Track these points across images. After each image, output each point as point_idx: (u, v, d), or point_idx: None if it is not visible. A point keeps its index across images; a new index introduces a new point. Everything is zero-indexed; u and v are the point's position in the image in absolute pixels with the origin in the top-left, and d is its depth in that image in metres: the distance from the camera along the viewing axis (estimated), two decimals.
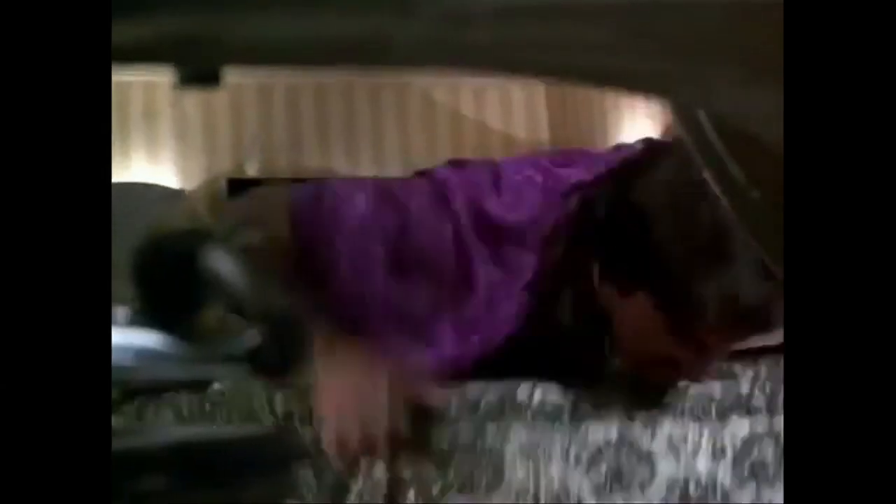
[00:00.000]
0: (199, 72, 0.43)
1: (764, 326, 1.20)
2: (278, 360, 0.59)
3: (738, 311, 1.17)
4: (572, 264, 1.30)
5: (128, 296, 0.57)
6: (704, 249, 1.17)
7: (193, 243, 0.56)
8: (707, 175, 0.65)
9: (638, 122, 5.20)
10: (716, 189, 0.66)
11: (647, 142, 1.37)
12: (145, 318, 0.56)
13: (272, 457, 0.64)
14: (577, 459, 1.27)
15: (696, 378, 1.29)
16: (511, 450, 1.24)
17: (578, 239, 1.30)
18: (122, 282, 0.55)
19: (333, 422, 1.01)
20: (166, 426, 0.75)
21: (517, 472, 1.23)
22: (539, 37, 0.40)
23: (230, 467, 0.60)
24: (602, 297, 1.30)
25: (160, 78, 5.37)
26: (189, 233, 0.58)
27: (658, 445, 1.29)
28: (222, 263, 0.56)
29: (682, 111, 0.63)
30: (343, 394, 1.04)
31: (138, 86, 5.52)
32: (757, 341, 1.28)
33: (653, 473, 1.29)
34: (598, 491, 1.28)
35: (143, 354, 0.56)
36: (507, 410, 1.27)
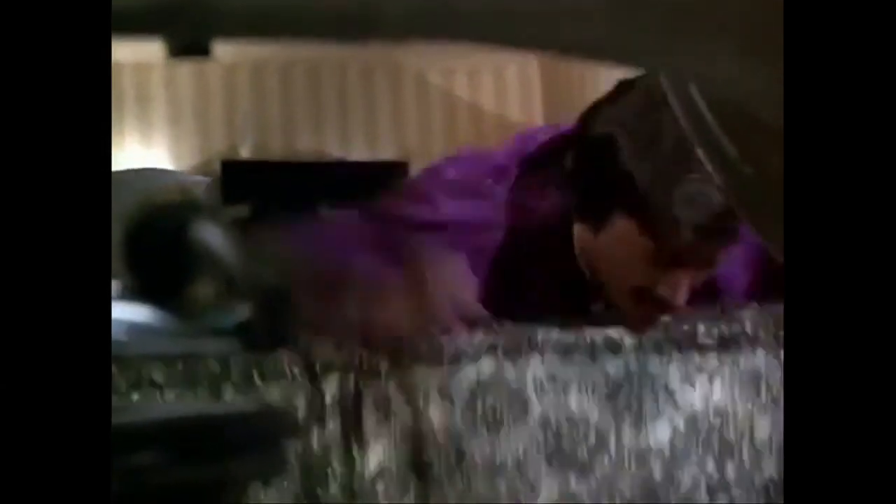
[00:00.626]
0: (188, 43, 0.43)
1: (731, 233, 1.25)
2: (268, 333, 0.59)
3: (710, 216, 1.22)
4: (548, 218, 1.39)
5: (118, 270, 0.57)
6: (671, 160, 1.24)
7: (184, 217, 0.56)
8: (699, 151, 0.65)
9: None
10: (707, 165, 0.65)
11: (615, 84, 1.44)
12: (136, 292, 0.55)
13: (262, 434, 0.64)
14: (595, 390, 1.29)
15: (674, 309, 1.32)
16: (531, 384, 1.26)
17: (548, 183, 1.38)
18: (112, 256, 0.55)
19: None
20: (157, 402, 0.75)
21: (538, 405, 1.25)
22: (530, 7, 0.40)
23: (221, 444, 0.60)
24: (579, 243, 1.36)
25: (153, 59, 5.36)
26: (179, 207, 0.58)
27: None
28: (212, 238, 0.56)
29: (676, 87, 0.63)
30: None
31: (130, 67, 5.50)
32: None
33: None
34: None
35: (134, 329, 0.56)
36: (523, 349, 1.29)
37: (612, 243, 1.32)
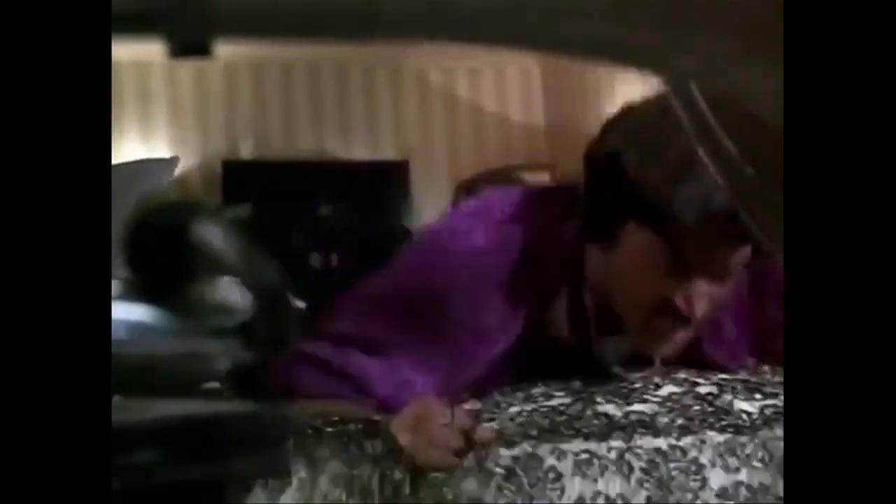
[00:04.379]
0: (189, 43, 0.43)
1: (744, 233, 1.27)
2: (271, 334, 0.59)
3: (717, 213, 1.22)
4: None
5: (119, 269, 0.57)
6: (676, 162, 1.25)
7: (185, 215, 0.56)
8: (701, 152, 0.65)
9: (632, 97, 5.19)
10: (710, 165, 0.65)
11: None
12: (136, 291, 0.55)
13: (264, 433, 0.64)
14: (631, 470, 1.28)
15: (691, 323, 1.31)
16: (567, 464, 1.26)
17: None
18: (113, 255, 0.55)
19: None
20: (157, 402, 0.74)
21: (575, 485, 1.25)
22: (530, 7, 0.40)
23: (221, 444, 0.60)
24: (592, 268, 1.37)
25: (153, 58, 5.37)
26: (180, 205, 0.58)
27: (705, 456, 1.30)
28: (214, 236, 0.56)
29: (676, 87, 0.63)
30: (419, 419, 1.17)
31: (131, 66, 5.51)
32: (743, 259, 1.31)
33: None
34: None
35: (134, 328, 0.56)
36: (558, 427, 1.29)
37: (626, 258, 1.32)
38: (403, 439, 1.19)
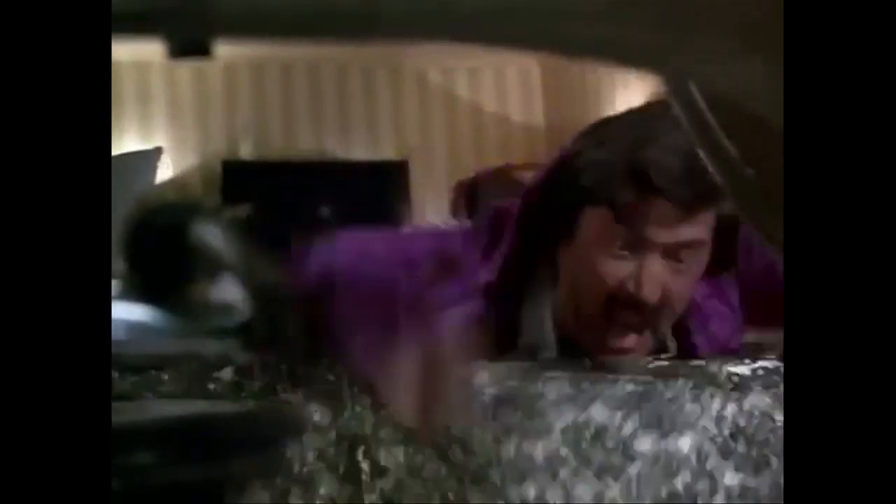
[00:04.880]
0: (188, 43, 0.43)
1: (688, 199, 1.26)
2: (269, 332, 0.59)
3: (664, 175, 1.25)
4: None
5: (119, 270, 0.57)
6: (627, 140, 1.29)
7: (184, 216, 0.56)
8: (701, 152, 0.65)
9: (632, 99, 5.20)
10: (709, 165, 0.65)
11: None
12: (136, 291, 0.55)
13: (263, 433, 0.64)
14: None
15: (646, 309, 1.31)
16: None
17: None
18: (113, 256, 0.55)
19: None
20: (157, 402, 0.75)
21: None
22: (531, 7, 0.40)
23: (221, 444, 0.60)
24: (563, 266, 1.38)
25: (153, 58, 5.36)
26: (179, 207, 0.58)
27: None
28: (212, 237, 0.56)
29: (676, 87, 0.63)
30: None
31: (130, 66, 5.51)
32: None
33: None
34: None
35: (134, 328, 0.56)
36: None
37: (584, 245, 1.33)
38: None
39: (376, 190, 6.11)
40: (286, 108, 6.15)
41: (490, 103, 6.41)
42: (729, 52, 0.45)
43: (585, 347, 1.36)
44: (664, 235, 1.28)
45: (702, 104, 0.59)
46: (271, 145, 6.09)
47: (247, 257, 0.57)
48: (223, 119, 6.03)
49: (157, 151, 3.83)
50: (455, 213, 5.94)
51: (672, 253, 1.30)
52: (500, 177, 6.15)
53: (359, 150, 6.21)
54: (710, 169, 0.56)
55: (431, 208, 6.17)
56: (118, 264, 0.56)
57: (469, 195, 6.13)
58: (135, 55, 5.26)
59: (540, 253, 1.41)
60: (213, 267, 0.56)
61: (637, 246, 1.29)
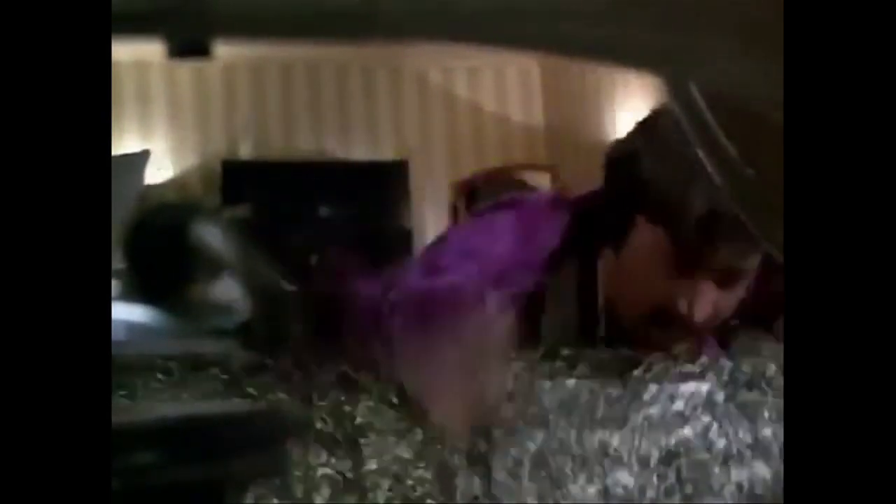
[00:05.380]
0: (188, 43, 0.43)
1: (745, 240, 1.23)
2: (268, 333, 0.59)
3: (726, 214, 1.23)
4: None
5: (118, 270, 0.57)
6: (691, 162, 1.28)
7: (184, 216, 0.56)
8: (700, 153, 0.64)
9: (633, 104, 5.20)
10: (709, 166, 0.65)
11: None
12: (136, 292, 0.55)
13: (262, 434, 0.64)
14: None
15: (693, 326, 1.31)
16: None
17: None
18: (113, 256, 0.55)
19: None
20: (157, 402, 0.75)
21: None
22: (531, 7, 0.40)
23: (221, 444, 0.60)
24: (604, 270, 1.37)
25: (152, 59, 5.35)
26: (180, 206, 0.58)
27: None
28: (212, 237, 0.56)
29: (676, 88, 0.63)
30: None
31: (130, 66, 5.51)
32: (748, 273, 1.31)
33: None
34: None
35: (134, 328, 0.56)
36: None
37: (634, 257, 1.32)
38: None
39: (376, 190, 6.11)
40: (286, 108, 6.15)
41: (490, 103, 6.41)
42: (729, 52, 0.45)
43: (631, 345, 1.35)
44: (718, 267, 1.28)
45: (702, 104, 0.59)
46: (271, 145, 6.09)
47: (246, 257, 0.57)
48: (223, 119, 6.03)
49: (145, 154, 3.83)
50: (455, 213, 5.94)
51: (724, 278, 1.29)
52: (500, 177, 6.15)
53: (359, 150, 6.21)
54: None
55: (431, 208, 6.17)
56: (118, 265, 0.56)
57: (469, 195, 6.13)
58: (135, 55, 5.26)
59: (581, 256, 1.39)
60: (212, 267, 0.56)
61: (691, 270, 1.28)
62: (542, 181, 6.14)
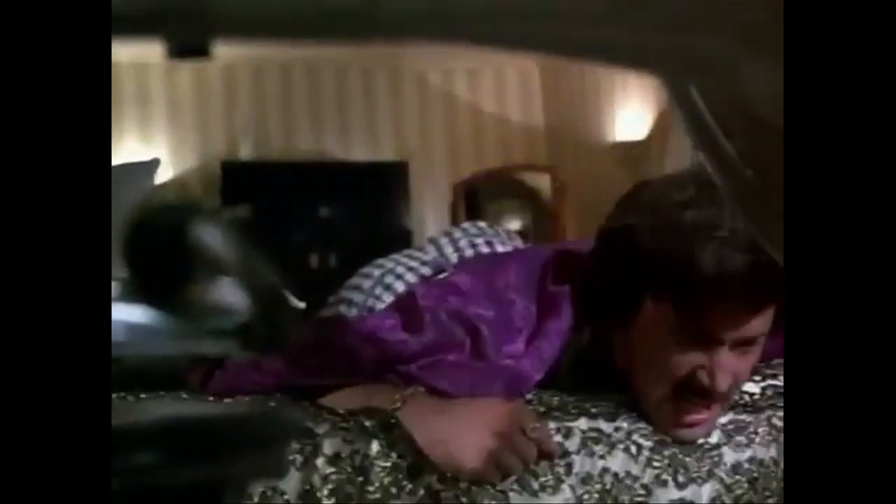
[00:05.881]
0: (188, 44, 0.43)
1: (757, 297, 1.23)
2: (269, 334, 0.59)
3: (736, 273, 1.19)
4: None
5: (117, 270, 0.57)
6: (691, 228, 1.23)
7: (183, 217, 0.56)
8: (700, 154, 0.64)
9: (632, 104, 5.20)
10: (709, 168, 0.65)
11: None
12: (135, 292, 0.55)
13: (262, 434, 0.64)
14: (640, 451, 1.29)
15: (717, 398, 1.29)
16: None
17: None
18: (112, 257, 0.55)
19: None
20: (157, 402, 0.75)
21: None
22: (530, 7, 0.40)
23: (221, 444, 0.60)
24: (616, 346, 1.35)
25: (152, 59, 5.36)
26: (178, 206, 0.58)
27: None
28: (212, 237, 0.56)
29: (676, 89, 0.63)
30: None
31: (130, 67, 5.50)
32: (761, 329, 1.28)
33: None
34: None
35: (132, 329, 0.56)
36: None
37: (645, 333, 1.29)
38: (487, 441, 1.20)
39: (376, 191, 6.11)
40: (286, 108, 6.15)
41: (489, 104, 6.41)
42: (729, 53, 0.45)
43: (658, 425, 1.33)
44: (732, 334, 1.25)
45: (701, 105, 0.59)
46: (271, 146, 6.09)
47: (246, 258, 0.57)
48: (223, 120, 6.03)
49: (155, 163, 3.84)
50: (455, 213, 5.94)
51: (739, 344, 1.27)
52: (500, 177, 6.15)
53: (359, 151, 6.21)
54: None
55: (431, 209, 6.17)
56: (117, 265, 0.56)
57: (468, 196, 6.13)
58: (134, 56, 5.26)
59: (596, 333, 1.37)
60: (212, 268, 0.56)
61: (705, 341, 1.25)
62: (542, 182, 6.14)
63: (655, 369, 1.30)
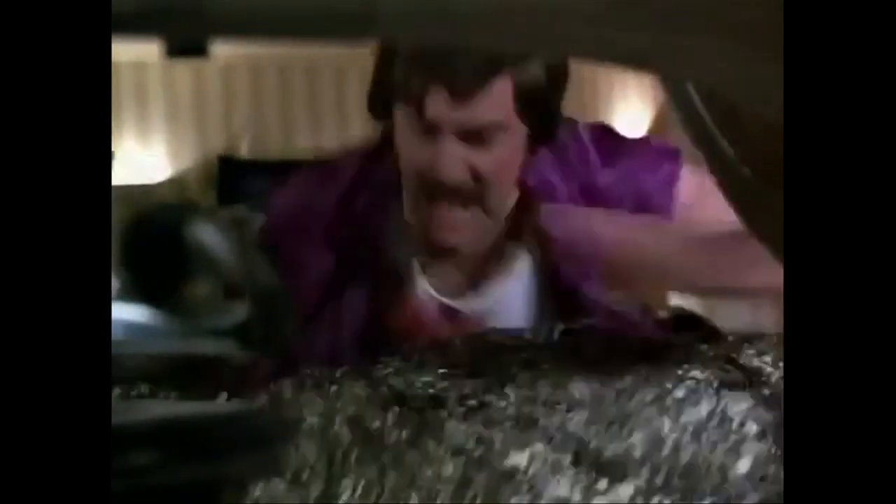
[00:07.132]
0: (186, 43, 0.43)
1: (461, 76, 1.28)
2: (266, 333, 0.59)
3: (444, 58, 1.27)
4: None
5: (115, 269, 0.57)
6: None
7: (180, 216, 0.56)
8: (699, 152, 0.65)
9: (630, 101, 5.20)
10: (706, 165, 0.65)
11: None
12: (132, 291, 0.55)
13: (262, 434, 0.64)
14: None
15: (450, 186, 1.32)
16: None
17: None
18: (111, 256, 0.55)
19: None
20: (157, 402, 0.75)
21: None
22: (530, 7, 0.40)
23: (220, 444, 0.60)
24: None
25: (151, 59, 5.33)
26: (176, 205, 0.58)
27: None
28: (209, 236, 0.56)
29: (674, 87, 0.63)
30: None
31: (128, 66, 5.50)
32: None
33: None
34: None
35: (130, 329, 0.56)
36: None
37: (398, 137, 1.37)
38: None
39: None
40: (284, 107, 6.15)
41: None
42: (728, 52, 0.45)
43: (416, 235, 1.37)
44: (449, 117, 1.28)
45: (700, 104, 0.59)
46: (269, 145, 6.08)
47: (244, 257, 0.57)
48: (221, 119, 6.02)
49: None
50: None
51: (472, 135, 1.29)
52: None
53: None
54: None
55: None
56: (115, 265, 0.56)
57: None
58: (133, 55, 5.25)
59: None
60: (210, 267, 0.56)
61: (430, 130, 1.30)
62: None
63: (405, 175, 1.36)
